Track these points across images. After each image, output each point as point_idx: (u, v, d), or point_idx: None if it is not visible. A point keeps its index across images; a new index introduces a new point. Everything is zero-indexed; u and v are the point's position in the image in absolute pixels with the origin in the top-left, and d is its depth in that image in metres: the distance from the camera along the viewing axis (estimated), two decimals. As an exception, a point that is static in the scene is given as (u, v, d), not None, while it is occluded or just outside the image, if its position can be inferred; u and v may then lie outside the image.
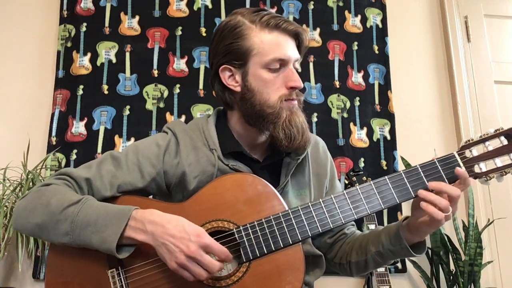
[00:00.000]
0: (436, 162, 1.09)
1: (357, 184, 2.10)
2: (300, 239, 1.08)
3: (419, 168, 1.09)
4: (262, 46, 1.17)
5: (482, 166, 1.08)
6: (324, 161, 1.36)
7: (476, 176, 1.08)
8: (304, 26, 2.54)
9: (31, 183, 1.96)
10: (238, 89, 1.20)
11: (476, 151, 1.09)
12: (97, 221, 1.04)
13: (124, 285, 1.07)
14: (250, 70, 1.18)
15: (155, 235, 1.01)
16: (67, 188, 1.13)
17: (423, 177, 1.08)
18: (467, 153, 1.09)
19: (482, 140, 1.08)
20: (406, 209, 2.35)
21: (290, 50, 1.19)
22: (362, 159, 2.41)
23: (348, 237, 1.34)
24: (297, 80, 1.18)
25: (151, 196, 1.26)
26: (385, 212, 2.32)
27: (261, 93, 1.17)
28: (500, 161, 1.07)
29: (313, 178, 1.30)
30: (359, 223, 2.04)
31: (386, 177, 1.10)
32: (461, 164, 1.08)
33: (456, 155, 1.09)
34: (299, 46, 1.23)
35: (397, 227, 1.17)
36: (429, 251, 2.15)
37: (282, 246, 1.07)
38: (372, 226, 2.06)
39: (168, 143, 1.23)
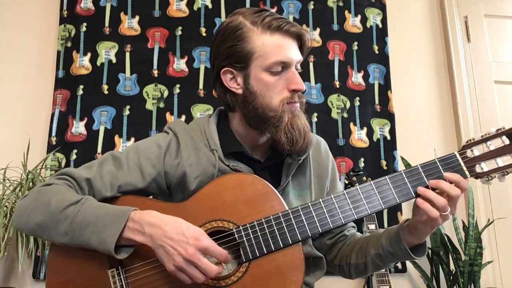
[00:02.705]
0: (437, 161, 1.08)
1: (357, 184, 2.12)
2: (300, 239, 1.08)
3: (420, 168, 1.08)
4: (263, 49, 1.14)
5: (484, 166, 1.07)
6: (325, 161, 1.34)
7: (477, 176, 1.07)
8: (304, 26, 2.54)
9: (31, 183, 1.96)
10: (239, 91, 1.19)
11: (477, 151, 1.08)
12: (96, 221, 1.04)
13: (124, 284, 1.07)
14: (252, 73, 1.16)
15: (154, 237, 1.01)
16: (68, 188, 1.12)
17: (424, 177, 1.08)
18: (469, 153, 1.07)
19: (484, 140, 1.07)
20: (406, 210, 2.35)
21: (292, 52, 1.17)
22: (362, 159, 2.41)
23: (348, 238, 1.33)
24: (299, 82, 1.16)
25: (151, 196, 1.26)
26: (385, 212, 2.32)
27: (263, 96, 1.16)
28: (501, 161, 1.06)
29: (314, 179, 1.29)
30: (359, 223, 2.04)
31: (386, 177, 1.09)
32: (462, 164, 1.07)
33: (457, 155, 1.08)
34: (301, 47, 1.21)
35: (398, 228, 1.17)
36: (429, 251, 2.14)
37: (281, 246, 1.07)
38: (372, 226, 2.05)
39: (169, 143, 1.22)
